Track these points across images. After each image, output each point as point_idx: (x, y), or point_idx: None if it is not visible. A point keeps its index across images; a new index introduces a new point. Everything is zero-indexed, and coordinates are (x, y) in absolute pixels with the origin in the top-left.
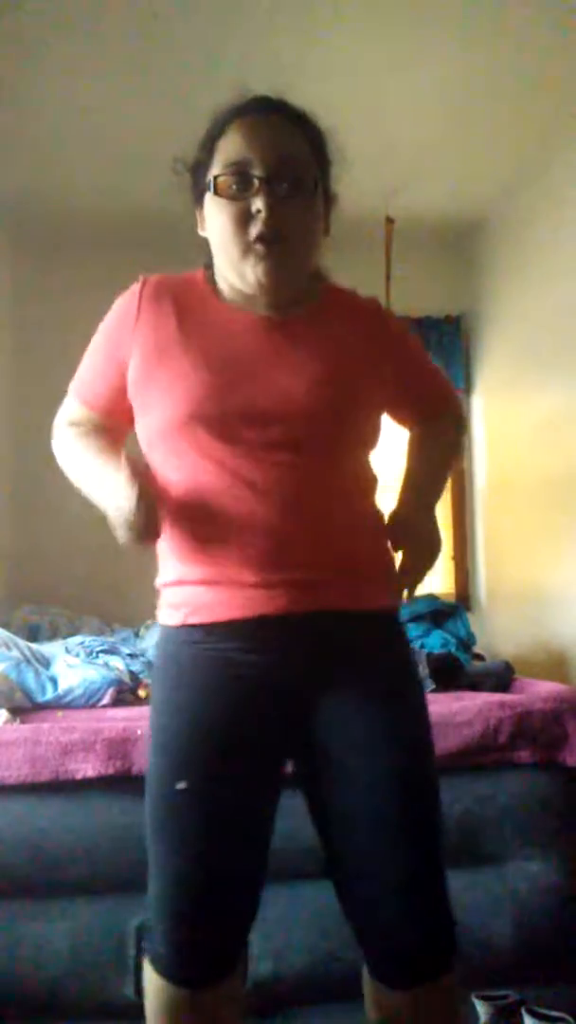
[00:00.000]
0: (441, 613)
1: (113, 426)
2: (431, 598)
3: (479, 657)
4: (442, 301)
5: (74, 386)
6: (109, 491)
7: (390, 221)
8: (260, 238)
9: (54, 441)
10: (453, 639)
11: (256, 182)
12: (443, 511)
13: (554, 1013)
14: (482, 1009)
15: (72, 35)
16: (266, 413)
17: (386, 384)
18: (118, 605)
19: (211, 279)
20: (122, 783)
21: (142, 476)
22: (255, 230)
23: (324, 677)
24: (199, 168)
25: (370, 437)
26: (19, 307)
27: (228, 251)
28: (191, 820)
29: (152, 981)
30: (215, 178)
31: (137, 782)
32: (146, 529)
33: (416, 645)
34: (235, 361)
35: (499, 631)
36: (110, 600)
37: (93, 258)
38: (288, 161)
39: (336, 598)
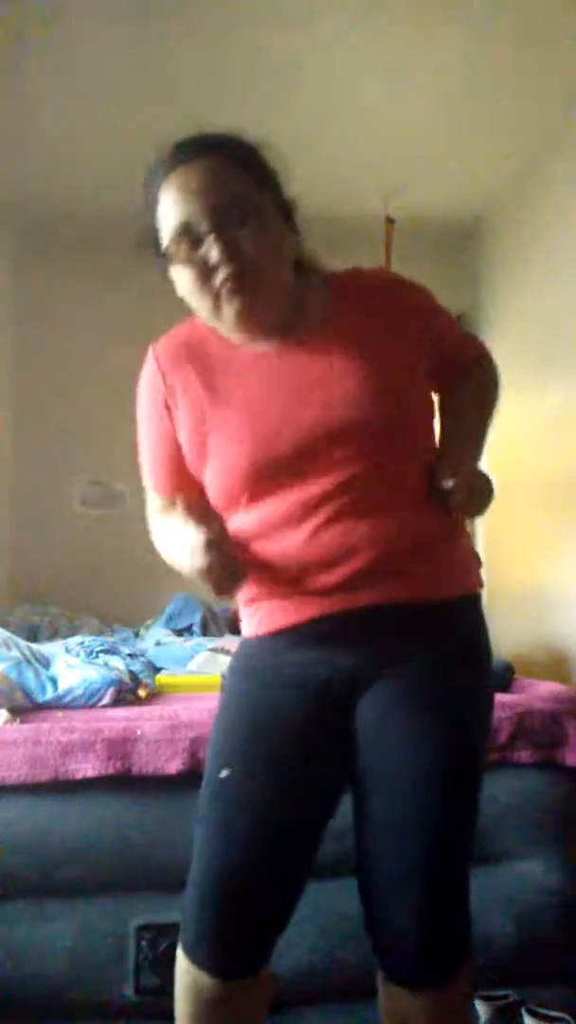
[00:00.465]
0: None
1: (196, 497)
2: None
3: (484, 660)
4: (442, 301)
5: (145, 479)
6: (184, 543)
7: (390, 221)
8: (224, 281)
9: (152, 535)
10: None
11: (204, 237)
12: None
13: (554, 1013)
14: (482, 1009)
15: (73, 35)
16: (305, 447)
17: (423, 362)
18: (118, 605)
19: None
20: (122, 783)
21: (213, 526)
22: (219, 278)
23: (373, 676)
24: (155, 242)
25: (425, 416)
26: (20, 307)
27: (202, 308)
28: (234, 809)
29: (184, 971)
30: (167, 251)
31: (137, 782)
32: (226, 577)
33: None
34: (268, 406)
35: (499, 631)
36: (110, 600)
37: (94, 258)
38: (226, 202)
39: (388, 590)
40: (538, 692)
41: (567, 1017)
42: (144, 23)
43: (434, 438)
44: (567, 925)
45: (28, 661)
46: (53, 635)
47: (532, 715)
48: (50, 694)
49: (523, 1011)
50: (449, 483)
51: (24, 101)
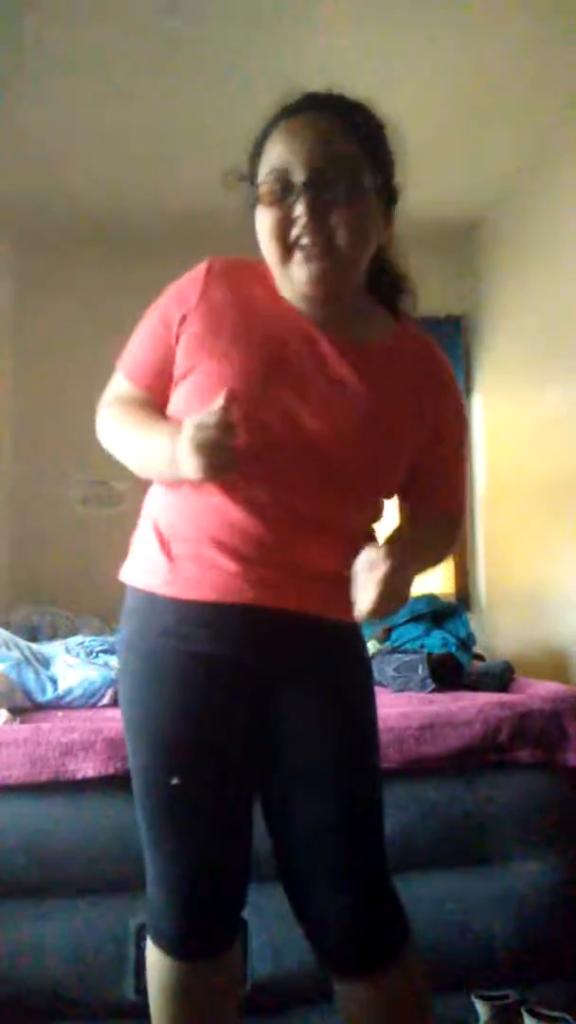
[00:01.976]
0: (441, 613)
1: (162, 404)
2: (431, 598)
3: (479, 657)
4: (442, 301)
5: (123, 364)
6: (171, 434)
7: None
8: (298, 242)
9: (99, 418)
10: (453, 639)
11: (297, 187)
12: None
13: (554, 1013)
14: (482, 1009)
15: (74, 35)
16: (307, 430)
17: (414, 449)
18: (118, 605)
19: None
20: (122, 783)
21: (228, 404)
22: (295, 233)
23: (286, 674)
24: (249, 179)
25: (392, 489)
26: (21, 307)
27: (271, 257)
28: (185, 809)
29: (154, 959)
30: (257, 187)
31: None
32: (221, 453)
33: (416, 645)
34: (282, 363)
35: (499, 631)
36: (110, 600)
37: (94, 258)
38: (331, 164)
39: (308, 601)
40: (538, 692)
41: (567, 1017)
42: (144, 24)
43: (382, 506)
44: (567, 925)
45: (28, 661)
46: (53, 635)
47: (532, 715)
48: (50, 694)
49: (523, 1011)
50: (383, 565)
51: (24, 101)
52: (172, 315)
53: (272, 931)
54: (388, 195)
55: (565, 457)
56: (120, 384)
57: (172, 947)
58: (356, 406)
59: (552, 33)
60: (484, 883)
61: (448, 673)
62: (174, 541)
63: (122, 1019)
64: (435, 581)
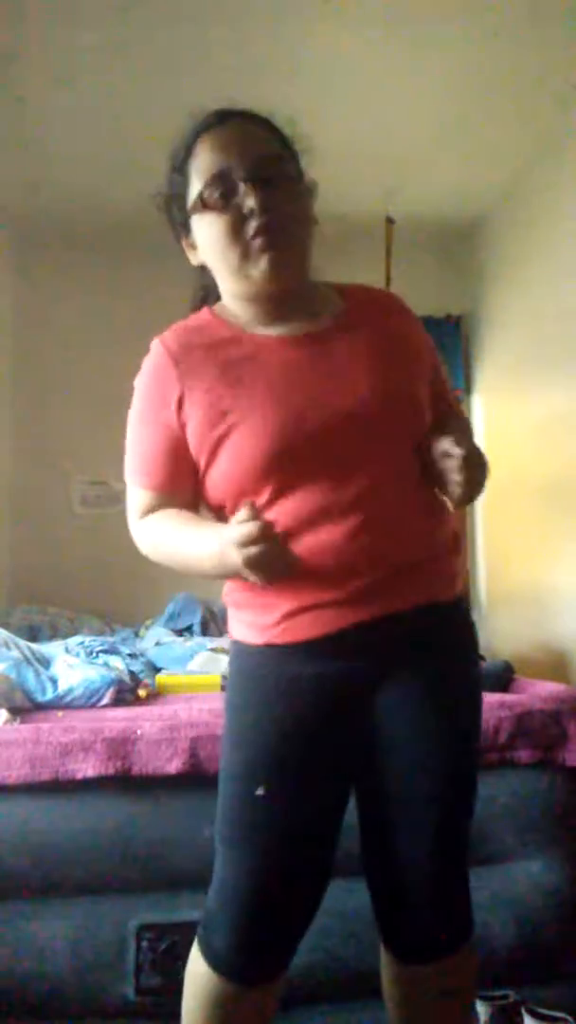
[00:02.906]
0: None
1: (187, 499)
2: None
3: (479, 657)
4: (442, 301)
5: (133, 476)
6: (224, 543)
7: (390, 221)
8: (258, 232)
9: (136, 539)
10: None
11: (241, 184)
12: None
13: (554, 1013)
14: (482, 1009)
15: (74, 35)
16: (338, 432)
17: (427, 384)
18: (118, 605)
19: (219, 316)
20: (122, 783)
21: (254, 508)
22: (252, 227)
23: (385, 675)
24: (178, 198)
25: (424, 417)
26: (20, 307)
27: (228, 260)
28: (269, 825)
29: (202, 975)
30: (200, 195)
31: (137, 782)
32: (286, 557)
33: None
34: (295, 390)
35: (499, 631)
36: (110, 600)
37: (94, 259)
38: (266, 158)
39: (402, 597)
40: (538, 692)
41: (567, 1017)
42: (145, 24)
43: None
44: (567, 925)
45: (28, 661)
46: (53, 635)
47: (532, 715)
48: (50, 694)
49: (523, 1011)
50: (456, 450)
51: (25, 101)
52: (161, 408)
53: None
54: (309, 187)
55: (565, 457)
56: (139, 496)
57: (222, 966)
58: (354, 373)
59: (551, 34)
60: (484, 883)
61: None
62: (260, 596)
63: (122, 1019)
64: None
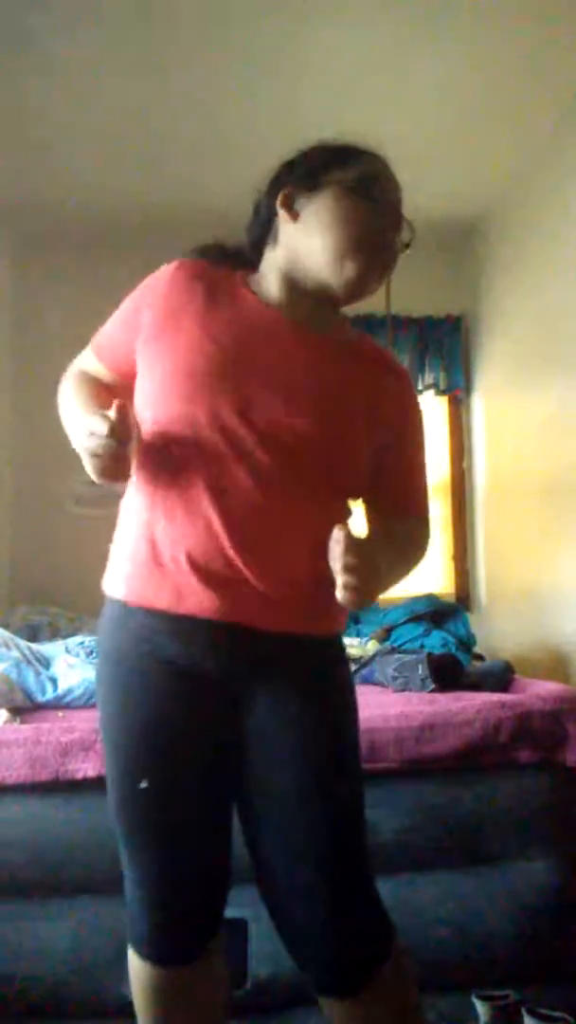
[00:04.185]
0: (441, 613)
1: (115, 382)
2: (431, 598)
3: (479, 657)
4: (442, 301)
5: (94, 339)
6: (86, 423)
7: None
8: (371, 241)
9: (60, 383)
10: (453, 639)
11: (382, 201)
12: (443, 511)
13: (554, 1013)
14: (482, 1009)
15: (74, 36)
16: (268, 415)
17: (371, 447)
18: None
19: (246, 278)
20: None
21: (122, 412)
22: (373, 230)
23: (258, 689)
24: (320, 156)
25: (355, 484)
26: (20, 306)
27: (337, 244)
28: (153, 816)
29: (134, 964)
30: (361, 177)
31: None
32: (114, 462)
33: (416, 645)
34: (246, 350)
35: (499, 631)
36: None
37: (94, 259)
38: (397, 223)
39: (279, 619)
40: (538, 692)
41: (567, 1017)
42: (145, 25)
43: (347, 505)
44: (567, 925)
45: (28, 661)
46: (53, 635)
47: (532, 715)
48: (50, 694)
49: (523, 1011)
50: (350, 560)
51: (25, 102)
52: (139, 306)
53: (272, 931)
54: None
55: (565, 457)
56: (86, 355)
57: (146, 952)
58: (322, 388)
59: (551, 36)
60: (484, 883)
61: (448, 673)
62: (147, 549)
63: (122, 1019)
64: (435, 581)
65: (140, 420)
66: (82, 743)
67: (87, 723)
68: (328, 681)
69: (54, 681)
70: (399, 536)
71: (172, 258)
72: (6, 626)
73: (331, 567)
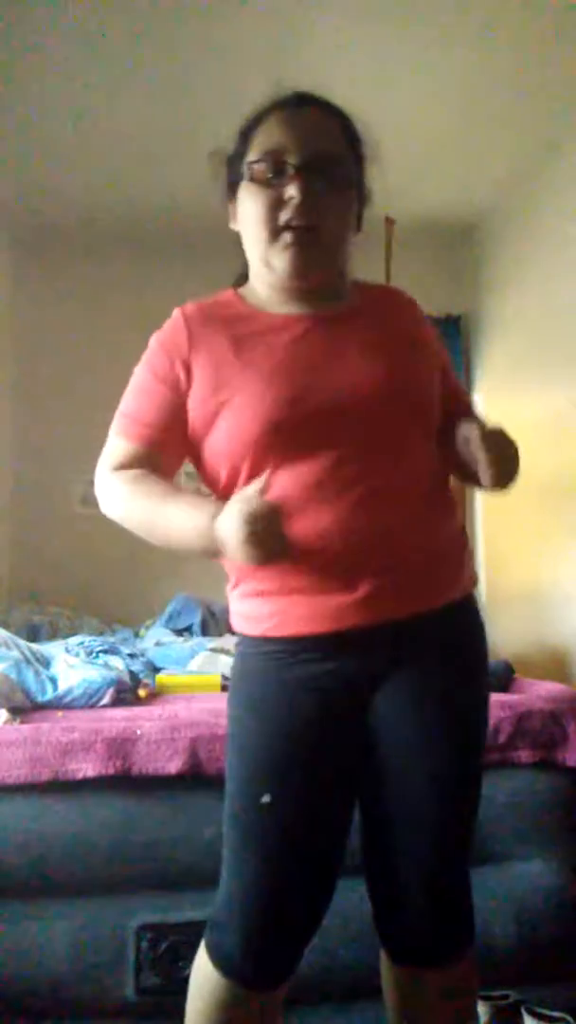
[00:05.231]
0: None
1: (166, 464)
2: None
3: (485, 660)
4: (442, 301)
5: (120, 426)
6: (207, 513)
7: (390, 221)
8: (289, 224)
9: (100, 488)
10: None
11: (291, 170)
12: None
13: (554, 1013)
14: (482, 1009)
15: (74, 37)
16: (339, 412)
17: (437, 377)
18: (118, 605)
19: (241, 295)
20: (122, 783)
21: (250, 489)
22: (285, 215)
23: (387, 675)
24: (234, 160)
25: (436, 418)
26: (19, 307)
27: (258, 235)
28: (275, 833)
29: (208, 977)
30: (250, 164)
31: (137, 782)
32: (280, 538)
33: None
34: (299, 367)
35: (499, 631)
36: (110, 600)
37: (94, 259)
38: (324, 154)
39: (414, 600)
40: (538, 692)
41: (567, 1017)
42: (144, 26)
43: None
44: (567, 925)
45: (28, 661)
46: (53, 635)
47: (532, 715)
48: (50, 694)
49: (523, 1011)
50: (474, 432)
51: (24, 102)
52: (168, 367)
53: None
54: (363, 197)
55: (565, 457)
56: (120, 447)
57: (229, 969)
58: (371, 351)
59: (550, 38)
60: (484, 883)
61: None
62: (261, 584)
63: (122, 1019)
64: None
65: (215, 475)
66: (82, 743)
67: (87, 723)
68: (463, 654)
69: (54, 681)
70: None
71: (171, 258)
72: (6, 626)
73: (474, 457)
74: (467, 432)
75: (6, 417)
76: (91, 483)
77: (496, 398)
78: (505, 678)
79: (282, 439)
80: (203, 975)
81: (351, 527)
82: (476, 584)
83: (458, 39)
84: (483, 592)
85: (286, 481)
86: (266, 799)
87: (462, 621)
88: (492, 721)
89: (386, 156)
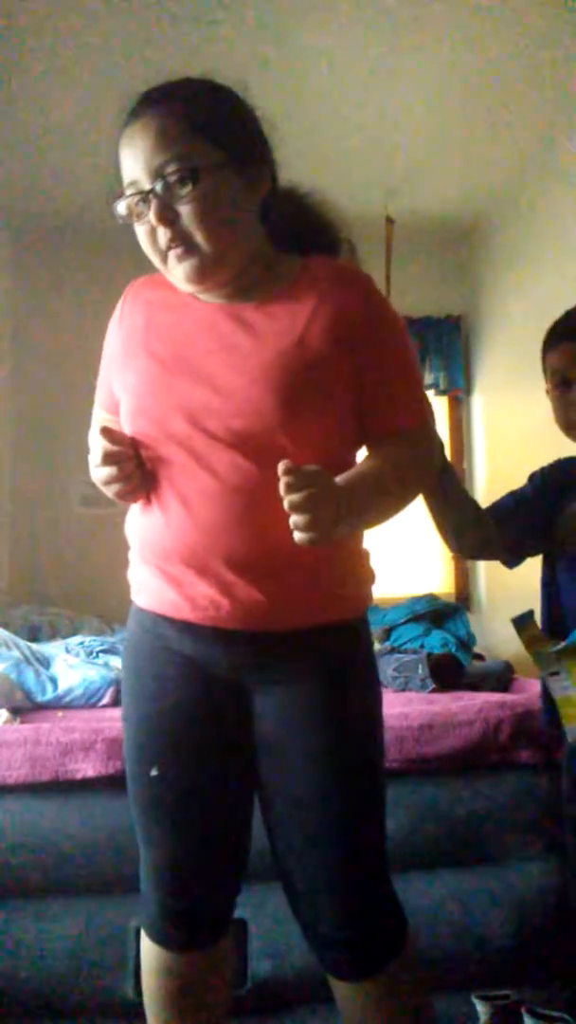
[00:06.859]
0: (441, 613)
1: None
2: (431, 598)
3: (479, 657)
4: (442, 301)
5: (96, 397)
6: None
7: (390, 221)
8: (168, 246)
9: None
10: (453, 639)
11: (147, 197)
12: None
13: (554, 1013)
14: (482, 1009)
15: (72, 36)
16: (206, 411)
17: (350, 381)
18: (118, 605)
19: None
20: (122, 783)
21: (115, 436)
22: (161, 241)
23: (270, 691)
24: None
25: (327, 438)
26: (19, 307)
27: (155, 263)
28: (167, 801)
29: (145, 947)
30: (117, 205)
31: None
32: (118, 481)
33: (416, 645)
34: (180, 357)
35: (499, 631)
36: (110, 600)
37: (94, 259)
38: (166, 164)
39: (284, 618)
40: (538, 692)
41: (567, 1017)
42: (144, 26)
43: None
44: (567, 925)
45: (28, 661)
46: (53, 635)
47: (532, 715)
48: (50, 694)
49: (523, 1011)
50: (289, 478)
51: (24, 102)
52: (108, 344)
53: (272, 931)
54: (248, 157)
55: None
56: (96, 414)
57: (154, 934)
58: (260, 366)
59: (550, 38)
60: (484, 883)
61: (448, 673)
62: (141, 555)
63: (122, 1019)
64: (435, 581)
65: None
66: (82, 743)
67: (87, 723)
68: (343, 675)
69: (54, 681)
70: (389, 458)
71: None
72: (6, 626)
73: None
74: (281, 468)
75: (6, 417)
76: (91, 483)
77: (496, 398)
78: (505, 678)
79: (145, 447)
80: (143, 946)
81: (224, 536)
82: (358, 616)
83: (457, 42)
84: (483, 592)
85: (158, 471)
86: (154, 772)
87: (341, 645)
88: (492, 721)
89: (386, 156)
